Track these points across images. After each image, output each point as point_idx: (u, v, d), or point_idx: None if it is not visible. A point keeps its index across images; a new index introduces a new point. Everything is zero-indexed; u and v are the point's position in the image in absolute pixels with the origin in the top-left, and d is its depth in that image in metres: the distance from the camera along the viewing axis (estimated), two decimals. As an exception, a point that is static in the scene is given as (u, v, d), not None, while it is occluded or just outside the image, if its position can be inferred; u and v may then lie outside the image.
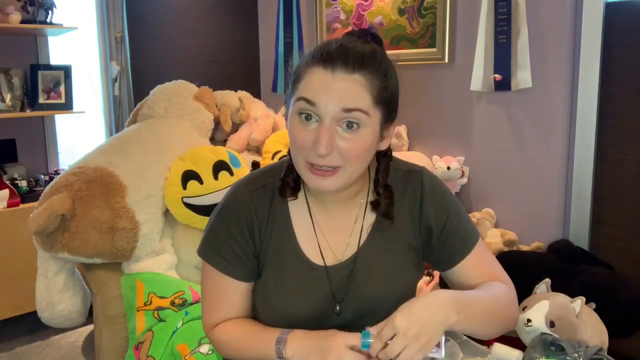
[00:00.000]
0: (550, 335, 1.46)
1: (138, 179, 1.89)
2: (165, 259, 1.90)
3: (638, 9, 2.08)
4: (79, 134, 3.23)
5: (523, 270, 1.82)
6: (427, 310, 0.87)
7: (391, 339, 0.85)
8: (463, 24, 2.54)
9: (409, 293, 1.07)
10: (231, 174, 1.95)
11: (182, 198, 1.89)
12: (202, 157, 1.94)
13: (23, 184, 2.79)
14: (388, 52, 0.99)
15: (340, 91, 0.90)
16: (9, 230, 2.54)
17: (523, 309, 1.56)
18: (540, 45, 2.26)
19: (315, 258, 1.04)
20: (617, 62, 2.12)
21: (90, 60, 3.14)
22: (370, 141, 0.94)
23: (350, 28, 2.94)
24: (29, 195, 2.71)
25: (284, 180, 1.04)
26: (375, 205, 1.04)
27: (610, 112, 2.16)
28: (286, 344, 0.95)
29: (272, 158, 2.58)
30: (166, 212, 1.95)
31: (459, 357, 1.11)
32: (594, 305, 1.64)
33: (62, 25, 2.82)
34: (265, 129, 2.74)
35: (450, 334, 1.12)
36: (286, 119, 0.99)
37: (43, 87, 2.88)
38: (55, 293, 1.86)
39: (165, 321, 1.76)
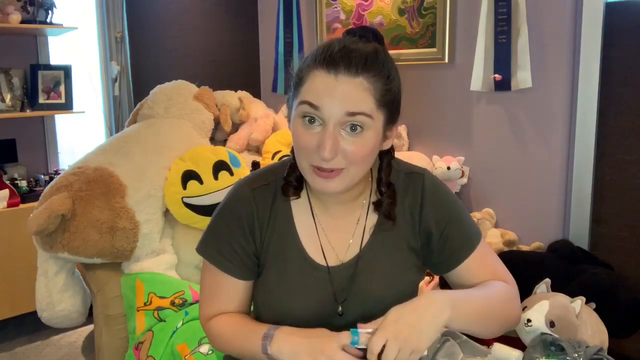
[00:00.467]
0: (550, 335, 1.46)
1: (138, 179, 1.89)
2: (165, 259, 1.90)
3: (638, 9, 2.08)
4: (79, 134, 3.23)
5: (523, 270, 1.82)
6: (415, 312, 0.88)
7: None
8: (463, 24, 2.54)
9: (411, 294, 1.06)
10: (231, 174, 1.95)
11: (182, 198, 1.89)
12: (202, 157, 1.94)
13: (23, 184, 2.79)
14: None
15: (344, 95, 0.90)
16: (9, 230, 2.54)
17: (523, 309, 1.56)
18: (540, 45, 2.26)
19: (317, 258, 1.04)
20: (617, 62, 2.12)
21: (90, 60, 3.14)
22: (373, 143, 0.94)
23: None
24: (29, 195, 2.70)
25: (287, 180, 1.04)
26: (377, 205, 1.04)
27: (610, 112, 2.16)
28: (272, 339, 0.94)
29: (272, 158, 2.58)
30: (166, 212, 1.95)
31: (459, 357, 1.11)
32: (594, 305, 1.64)
33: (62, 25, 2.82)
34: (265, 129, 2.74)
35: (450, 334, 1.11)
36: (289, 121, 0.99)
37: (43, 87, 2.88)
38: (55, 293, 1.86)
39: (165, 321, 1.76)
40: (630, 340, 1.77)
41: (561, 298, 1.56)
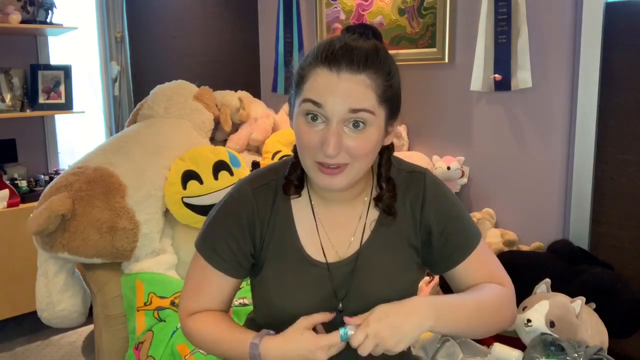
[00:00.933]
0: (550, 335, 1.46)
1: (138, 179, 1.89)
2: (165, 259, 1.90)
3: (638, 9, 2.08)
4: (79, 134, 3.23)
5: (523, 270, 1.82)
6: (400, 315, 0.92)
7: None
8: (463, 24, 2.54)
9: (411, 291, 1.07)
10: (231, 174, 1.95)
11: (182, 198, 1.89)
12: (202, 157, 1.94)
13: (23, 184, 2.79)
14: (388, 52, 0.99)
15: (346, 92, 0.91)
16: (9, 230, 2.54)
17: (523, 309, 1.56)
18: (540, 45, 2.26)
19: (316, 255, 1.05)
20: (617, 62, 2.12)
21: (90, 60, 3.14)
22: (376, 139, 0.95)
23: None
24: (29, 195, 2.70)
25: (288, 178, 1.05)
26: (378, 200, 1.05)
27: (610, 112, 2.16)
28: (260, 350, 0.96)
29: (272, 158, 2.58)
30: (166, 212, 1.95)
31: (459, 357, 1.11)
32: (594, 305, 1.64)
33: (62, 25, 2.82)
34: (265, 129, 2.74)
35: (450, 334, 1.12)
36: (290, 119, 1.00)
37: (43, 87, 2.88)
38: (55, 293, 1.86)
39: (165, 321, 1.76)
40: (630, 340, 1.77)
41: (561, 298, 1.56)
